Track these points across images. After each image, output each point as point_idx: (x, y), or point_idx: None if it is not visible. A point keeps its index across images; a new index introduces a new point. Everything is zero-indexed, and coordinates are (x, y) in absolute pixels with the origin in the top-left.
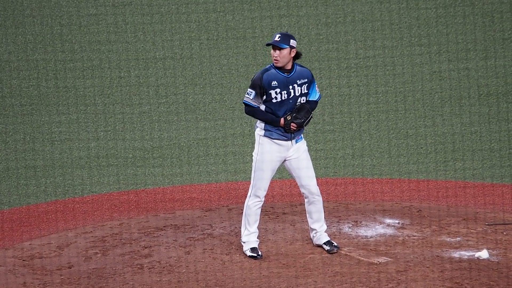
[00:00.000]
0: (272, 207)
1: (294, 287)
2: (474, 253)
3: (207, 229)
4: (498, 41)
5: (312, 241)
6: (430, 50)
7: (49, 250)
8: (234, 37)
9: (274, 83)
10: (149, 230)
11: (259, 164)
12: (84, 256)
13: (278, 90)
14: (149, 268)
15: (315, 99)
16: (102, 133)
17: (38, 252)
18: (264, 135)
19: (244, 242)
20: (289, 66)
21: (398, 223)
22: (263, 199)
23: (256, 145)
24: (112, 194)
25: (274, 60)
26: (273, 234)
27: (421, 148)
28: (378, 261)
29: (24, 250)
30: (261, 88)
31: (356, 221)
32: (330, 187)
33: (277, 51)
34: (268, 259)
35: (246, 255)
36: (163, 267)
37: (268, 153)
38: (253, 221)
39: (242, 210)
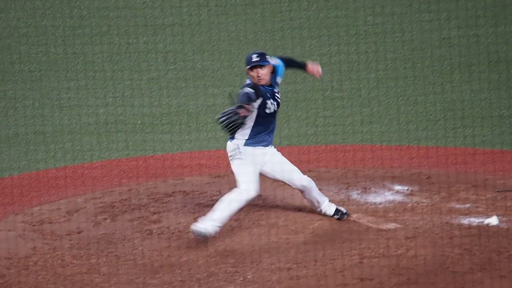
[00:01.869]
0: None
1: (302, 253)
2: (483, 220)
3: (215, 195)
4: (508, 7)
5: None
6: (439, 17)
7: (59, 215)
8: (242, 3)
9: (268, 94)
10: (158, 196)
11: (242, 168)
12: (93, 222)
13: (271, 100)
14: (158, 234)
15: (283, 70)
16: (110, 99)
17: (47, 218)
18: (245, 145)
19: (212, 220)
20: (269, 82)
21: (407, 189)
22: (249, 198)
23: (235, 155)
24: (121, 160)
25: (258, 79)
26: (281, 201)
27: (430, 115)
28: (387, 228)
29: (33, 216)
30: (260, 92)
31: (365, 188)
32: (338, 153)
33: (260, 70)
34: (276, 225)
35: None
36: (172, 233)
37: (249, 157)
38: (228, 212)
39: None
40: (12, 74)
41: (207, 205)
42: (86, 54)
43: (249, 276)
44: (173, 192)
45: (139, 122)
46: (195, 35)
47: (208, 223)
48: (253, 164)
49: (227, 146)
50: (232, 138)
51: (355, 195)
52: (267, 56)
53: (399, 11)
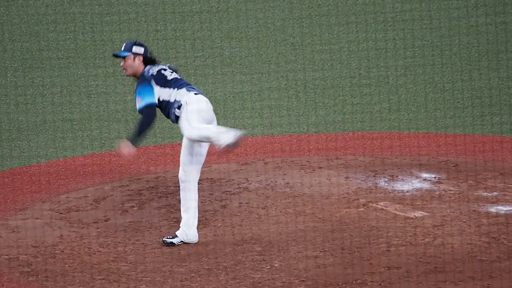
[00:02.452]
0: (308, 161)
1: (330, 241)
2: (511, 208)
3: (243, 182)
4: None
5: None
6: (467, 4)
7: (86, 203)
8: None
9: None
10: None
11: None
12: (121, 209)
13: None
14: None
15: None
16: None
17: (74, 205)
18: None
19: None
20: (138, 74)
21: (435, 177)
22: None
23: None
24: (148, 147)
25: (124, 71)
26: (309, 188)
27: (458, 102)
28: (415, 216)
29: (60, 203)
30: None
31: (393, 176)
32: (366, 141)
33: (122, 62)
34: (304, 213)
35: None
36: (199, 221)
37: None
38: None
39: (278, 164)
40: (40, 61)
41: (234, 193)
42: (114, 41)
43: (276, 264)
44: (200, 180)
45: None
46: (223, 22)
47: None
48: None
49: None
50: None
51: (382, 182)
52: (136, 47)
53: None
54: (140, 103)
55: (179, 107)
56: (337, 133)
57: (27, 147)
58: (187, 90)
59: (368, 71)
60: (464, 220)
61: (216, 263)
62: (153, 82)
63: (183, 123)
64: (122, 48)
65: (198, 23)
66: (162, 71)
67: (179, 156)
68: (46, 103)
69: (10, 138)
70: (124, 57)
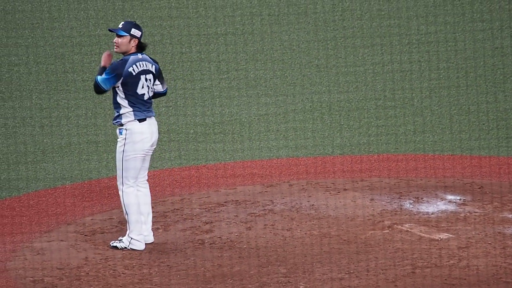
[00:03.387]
0: (333, 183)
1: (355, 263)
2: None
3: (268, 204)
4: None
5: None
6: (492, 26)
7: (111, 225)
8: (295, 12)
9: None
10: (210, 205)
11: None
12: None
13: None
14: (210, 244)
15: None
16: (163, 109)
17: (99, 227)
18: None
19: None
20: (127, 54)
21: (460, 199)
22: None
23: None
24: (173, 169)
25: (115, 46)
26: (334, 210)
27: (483, 124)
28: (440, 238)
29: (86, 225)
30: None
31: (418, 197)
32: (391, 163)
33: (117, 38)
34: (329, 235)
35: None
36: (224, 243)
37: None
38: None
39: (303, 186)
40: (65, 84)
41: (259, 215)
42: None
43: (301, 286)
44: (225, 202)
45: (191, 131)
46: (248, 44)
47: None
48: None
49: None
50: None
51: (407, 204)
52: (134, 29)
53: (452, 20)
54: (98, 78)
55: (121, 125)
56: (362, 155)
57: (52, 169)
58: (134, 113)
59: (393, 93)
60: (489, 242)
61: (242, 285)
62: (120, 81)
63: (119, 158)
64: (120, 26)
65: (223, 45)
66: (142, 77)
67: (204, 178)
68: (71, 125)
69: (35, 160)
70: (120, 36)
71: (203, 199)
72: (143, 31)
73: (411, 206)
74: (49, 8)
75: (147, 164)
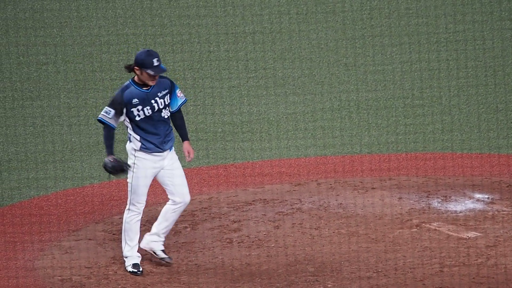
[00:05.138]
0: (361, 182)
1: (383, 261)
2: None
3: (296, 203)
4: None
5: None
6: None
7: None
8: (323, 11)
9: (135, 100)
10: (238, 204)
11: (135, 181)
12: (174, 230)
13: (140, 107)
14: (238, 243)
15: (175, 109)
16: (191, 108)
17: None
18: (140, 149)
19: (126, 257)
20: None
21: (488, 198)
22: (141, 212)
23: (130, 160)
24: (202, 168)
25: (153, 83)
26: (362, 209)
27: (511, 122)
28: (468, 236)
29: (114, 224)
30: (121, 106)
31: (446, 196)
32: (419, 162)
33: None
34: (357, 233)
35: (127, 271)
36: (252, 242)
37: (143, 169)
38: (133, 235)
39: (331, 185)
40: (94, 83)
41: (287, 214)
42: (167, 62)
43: (329, 285)
44: (253, 201)
45: (219, 130)
46: (276, 43)
47: (126, 262)
48: (145, 177)
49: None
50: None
51: (435, 203)
52: None
53: (480, 19)
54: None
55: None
56: (390, 154)
57: (80, 168)
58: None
59: (421, 92)
60: None
61: (270, 284)
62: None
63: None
64: (159, 64)
65: (251, 44)
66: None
67: (232, 177)
68: (99, 124)
69: (63, 159)
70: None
71: (231, 198)
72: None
73: (439, 204)
74: (77, 7)
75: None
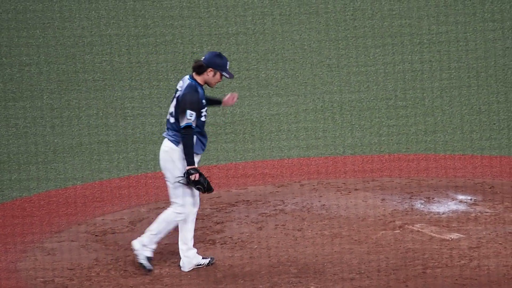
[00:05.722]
0: (344, 183)
1: (366, 263)
2: None
3: (279, 204)
4: None
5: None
6: (503, 26)
7: (122, 225)
8: (306, 12)
9: (204, 101)
10: (221, 205)
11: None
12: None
13: (206, 108)
14: (221, 244)
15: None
16: None
17: (110, 228)
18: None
19: (144, 246)
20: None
21: (471, 199)
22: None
23: (178, 162)
24: None
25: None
26: (345, 210)
27: (494, 124)
28: (451, 238)
29: (96, 226)
30: (199, 107)
31: (429, 197)
32: (402, 163)
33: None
34: (340, 235)
35: (139, 262)
36: (235, 243)
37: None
38: (166, 232)
39: (314, 186)
40: (76, 84)
41: (270, 215)
42: (150, 63)
43: (312, 287)
44: (236, 202)
45: None
46: (259, 44)
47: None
48: None
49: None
50: (177, 142)
51: (418, 204)
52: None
53: (463, 20)
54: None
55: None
56: (373, 155)
57: (63, 170)
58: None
59: (404, 93)
60: (500, 242)
61: (252, 285)
62: None
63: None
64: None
65: (234, 45)
66: (175, 95)
67: (215, 178)
68: (82, 125)
69: (46, 160)
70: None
71: (214, 199)
72: (204, 58)
73: (422, 206)
74: (60, 8)
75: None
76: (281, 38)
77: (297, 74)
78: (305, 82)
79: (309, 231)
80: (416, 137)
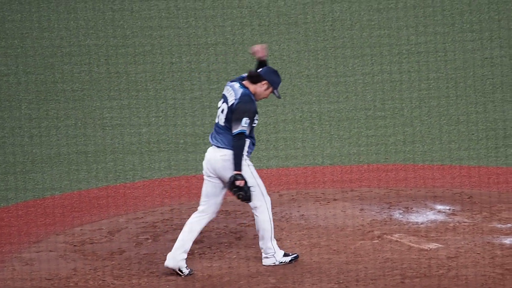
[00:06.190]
0: (323, 193)
1: (345, 273)
2: None
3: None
4: None
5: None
6: (481, 36)
7: (100, 235)
8: (285, 22)
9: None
10: None
11: (259, 181)
12: (135, 242)
13: (257, 116)
14: (200, 254)
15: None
16: (153, 119)
17: (89, 238)
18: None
19: (272, 253)
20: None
21: (449, 209)
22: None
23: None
24: (163, 179)
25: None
26: (323, 220)
27: (473, 134)
28: (429, 247)
29: (75, 236)
30: (254, 115)
31: (407, 207)
32: (381, 173)
33: None
34: (318, 245)
35: (279, 262)
36: (214, 253)
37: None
38: (272, 228)
39: (292, 196)
40: (55, 94)
41: (249, 225)
42: (129, 74)
43: None
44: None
45: (181, 141)
46: (238, 54)
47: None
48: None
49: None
50: (226, 147)
51: (397, 214)
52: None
53: (442, 30)
54: None
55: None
56: (352, 165)
57: (41, 180)
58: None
59: (383, 103)
60: (478, 252)
61: None
62: None
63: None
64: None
65: (213, 55)
66: (220, 102)
67: (194, 188)
68: (61, 136)
69: (24, 170)
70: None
71: (192, 209)
72: (262, 70)
73: (400, 216)
74: (39, 18)
75: (204, 190)
76: None
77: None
78: (284, 93)
79: (288, 241)
80: (395, 147)
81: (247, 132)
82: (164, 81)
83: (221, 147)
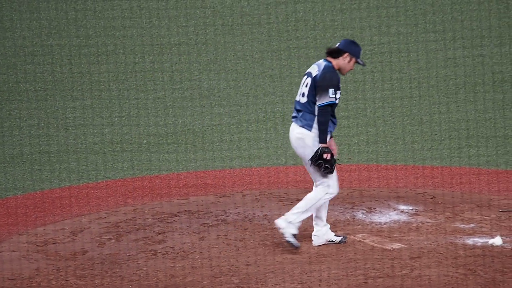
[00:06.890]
0: (286, 193)
1: (308, 273)
2: (487, 240)
3: (221, 215)
4: None
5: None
6: (444, 37)
7: (63, 235)
8: (249, 23)
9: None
10: (163, 216)
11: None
12: (98, 242)
13: (340, 91)
14: (163, 254)
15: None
16: (116, 119)
17: (52, 238)
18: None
19: (289, 222)
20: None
21: (412, 209)
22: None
23: (313, 147)
24: (126, 179)
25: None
26: None
27: (435, 134)
28: (392, 248)
29: (38, 236)
30: (339, 84)
31: (370, 208)
32: (344, 173)
33: None
34: (282, 245)
35: (286, 239)
36: (177, 253)
37: None
38: (313, 210)
39: (256, 196)
40: (18, 94)
41: (212, 225)
42: (92, 73)
43: None
44: (178, 212)
45: (144, 141)
46: (202, 54)
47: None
48: None
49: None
50: (310, 127)
51: (360, 215)
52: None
53: (405, 31)
54: None
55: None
56: None
57: (3, 179)
58: None
59: (346, 103)
60: (441, 252)
61: None
62: None
63: None
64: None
65: (177, 55)
66: (303, 78)
67: (157, 189)
68: (23, 135)
69: None
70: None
71: (156, 209)
72: (340, 44)
73: (363, 216)
74: (1, 18)
75: (308, 170)
76: (224, 49)
77: (239, 85)
78: (247, 93)
79: (251, 241)
80: (358, 147)
81: (337, 102)
82: (127, 81)
83: (299, 125)
